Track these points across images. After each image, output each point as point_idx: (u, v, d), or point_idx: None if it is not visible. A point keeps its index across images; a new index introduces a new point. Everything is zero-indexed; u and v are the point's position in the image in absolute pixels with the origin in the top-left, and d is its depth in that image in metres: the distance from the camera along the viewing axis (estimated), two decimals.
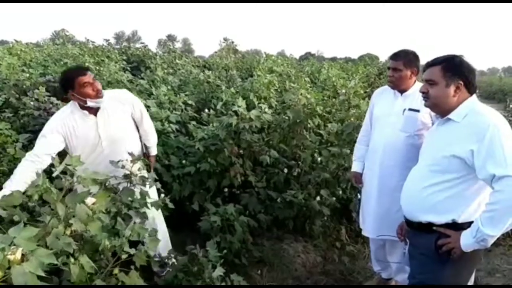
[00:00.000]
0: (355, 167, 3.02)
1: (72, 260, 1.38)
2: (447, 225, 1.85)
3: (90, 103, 2.48)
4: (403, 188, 2.05)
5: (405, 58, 2.63)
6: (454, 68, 1.86)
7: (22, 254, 1.15)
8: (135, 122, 2.83)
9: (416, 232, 2.01)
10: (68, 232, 1.43)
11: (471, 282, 2.07)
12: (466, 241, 1.74)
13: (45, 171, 2.24)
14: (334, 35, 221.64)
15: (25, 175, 2.22)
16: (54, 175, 1.61)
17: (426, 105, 1.99)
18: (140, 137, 2.91)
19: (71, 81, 2.46)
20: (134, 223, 1.70)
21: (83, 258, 1.40)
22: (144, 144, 2.97)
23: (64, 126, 2.49)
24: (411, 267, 2.08)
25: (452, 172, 1.82)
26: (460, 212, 1.82)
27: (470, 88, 1.87)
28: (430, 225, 1.89)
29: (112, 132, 2.62)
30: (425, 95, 1.94)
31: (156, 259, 2.35)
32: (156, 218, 2.77)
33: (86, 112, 2.54)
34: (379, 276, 3.07)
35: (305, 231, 3.66)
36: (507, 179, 1.64)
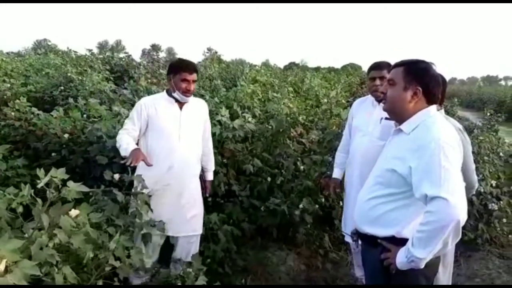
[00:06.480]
0: (336, 174, 3.08)
1: (55, 269, 1.37)
2: (389, 239, 1.76)
3: (176, 94, 2.71)
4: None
5: (388, 67, 2.70)
6: (415, 72, 1.74)
7: (6, 266, 1.15)
8: None
9: (364, 243, 1.95)
10: (51, 245, 1.42)
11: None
12: (400, 259, 1.65)
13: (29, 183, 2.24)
14: (318, 45, 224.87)
15: (127, 136, 2.61)
16: (38, 186, 1.61)
17: (384, 108, 1.88)
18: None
19: (177, 69, 2.72)
20: (120, 235, 1.67)
21: (66, 269, 1.39)
22: (202, 168, 2.98)
23: (147, 107, 2.72)
24: (365, 277, 2.07)
25: (394, 187, 1.73)
26: (400, 227, 1.73)
27: (430, 98, 1.75)
28: (374, 237, 1.81)
29: (191, 128, 2.77)
30: (385, 96, 1.84)
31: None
32: None
33: (172, 100, 2.75)
34: (362, 282, 3.11)
35: (289, 239, 3.68)
36: (438, 200, 1.53)
